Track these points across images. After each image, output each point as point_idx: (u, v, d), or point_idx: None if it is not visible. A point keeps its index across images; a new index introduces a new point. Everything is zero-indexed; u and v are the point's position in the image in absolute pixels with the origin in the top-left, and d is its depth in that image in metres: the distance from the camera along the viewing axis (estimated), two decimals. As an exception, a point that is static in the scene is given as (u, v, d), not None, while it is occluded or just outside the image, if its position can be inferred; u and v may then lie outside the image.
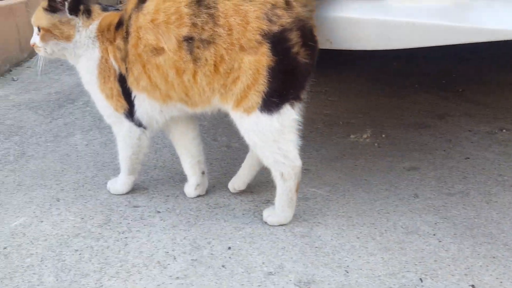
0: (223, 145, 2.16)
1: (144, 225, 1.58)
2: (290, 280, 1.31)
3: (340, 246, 1.44)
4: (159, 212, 1.66)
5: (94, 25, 1.61)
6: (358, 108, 2.56)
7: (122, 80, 1.59)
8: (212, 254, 1.43)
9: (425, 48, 1.53)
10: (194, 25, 1.39)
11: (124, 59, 1.54)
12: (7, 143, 2.29)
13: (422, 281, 1.30)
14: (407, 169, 1.90)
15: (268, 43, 1.34)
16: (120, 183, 1.76)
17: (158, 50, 1.44)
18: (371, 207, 1.64)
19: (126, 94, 1.60)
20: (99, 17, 1.62)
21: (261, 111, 1.41)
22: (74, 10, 1.60)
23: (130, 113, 1.63)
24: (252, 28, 1.34)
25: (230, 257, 1.41)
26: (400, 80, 3.03)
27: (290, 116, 1.42)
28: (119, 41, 1.55)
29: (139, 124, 1.64)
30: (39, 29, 1.62)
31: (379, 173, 1.87)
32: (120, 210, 1.67)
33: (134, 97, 1.59)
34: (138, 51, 1.48)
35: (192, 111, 1.58)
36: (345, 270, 1.34)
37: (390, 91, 2.83)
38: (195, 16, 1.38)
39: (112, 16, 1.62)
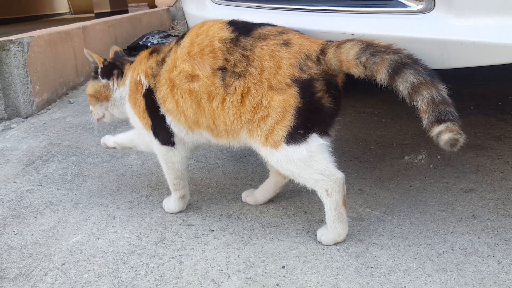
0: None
1: (198, 243, 1.59)
2: (346, 301, 1.29)
3: (397, 267, 1.41)
4: (212, 230, 1.66)
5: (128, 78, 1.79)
6: (412, 130, 2.52)
7: (146, 96, 1.68)
8: (266, 272, 1.42)
9: (480, 69, 1.50)
10: (226, 59, 1.48)
11: (155, 76, 1.65)
12: (64, 163, 2.37)
13: (484, 304, 1.25)
14: (464, 190, 1.85)
15: (297, 87, 1.42)
16: (172, 200, 1.79)
17: (193, 77, 1.53)
18: (427, 228, 1.60)
19: (150, 110, 1.69)
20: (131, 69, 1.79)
21: (287, 144, 1.45)
22: (107, 76, 1.82)
23: (154, 130, 1.71)
24: (283, 72, 1.43)
25: (284, 276, 1.40)
26: (455, 102, 2.96)
27: (317, 142, 1.45)
28: (151, 62, 1.68)
29: (167, 142, 1.71)
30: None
31: (435, 194, 1.82)
32: (175, 229, 1.68)
33: (162, 115, 1.67)
34: (170, 76, 1.58)
35: (217, 142, 1.64)
36: (403, 292, 1.31)
37: (444, 112, 2.77)
38: (228, 53, 1.48)
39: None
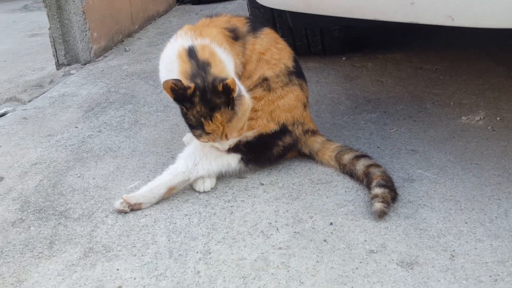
0: (327, 121, 2.15)
1: (248, 196, 1.63)
2: (393, 260, 1.30)
3: (446, 230, 1.41)
4: (262, 184, 1.70)
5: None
6: (472, 89, 2.43)
7: None
8: (314, 228, 1.45)
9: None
10: (277, 76, 1.72)
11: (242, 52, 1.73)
12: (122, 110, 2.43)
13: (534, 272, 1.24)
14: (522, 155, 1.80)
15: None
16: None
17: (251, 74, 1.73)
18: (481, 192, 1.58)
19: None
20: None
21: None
22: None
23: None
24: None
25: (332, 233, 1.42)
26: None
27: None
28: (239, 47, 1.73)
29: None
30: None
31: (492, 158, 1.78)
32: (226, 180, 1.72)
33: None
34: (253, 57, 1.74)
35: None
36: (451, 254, 1.31)
37: (510, 72, 2.66)
38: (278, 76, 1.72)
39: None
